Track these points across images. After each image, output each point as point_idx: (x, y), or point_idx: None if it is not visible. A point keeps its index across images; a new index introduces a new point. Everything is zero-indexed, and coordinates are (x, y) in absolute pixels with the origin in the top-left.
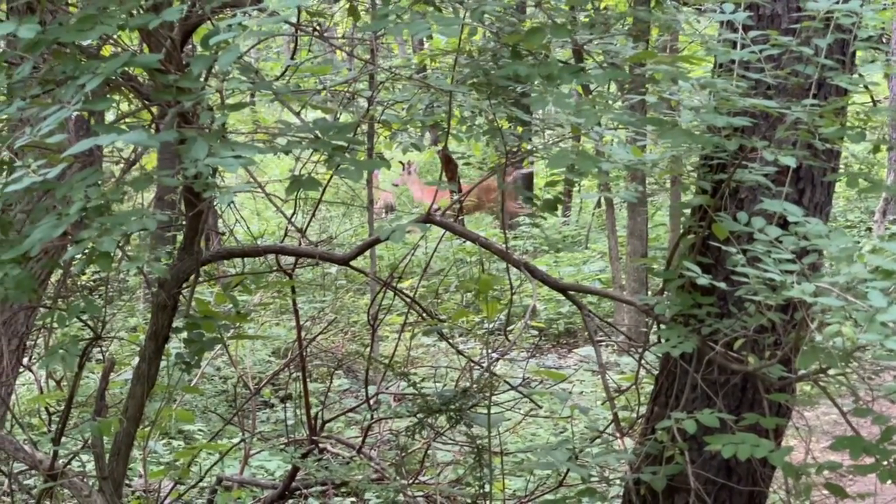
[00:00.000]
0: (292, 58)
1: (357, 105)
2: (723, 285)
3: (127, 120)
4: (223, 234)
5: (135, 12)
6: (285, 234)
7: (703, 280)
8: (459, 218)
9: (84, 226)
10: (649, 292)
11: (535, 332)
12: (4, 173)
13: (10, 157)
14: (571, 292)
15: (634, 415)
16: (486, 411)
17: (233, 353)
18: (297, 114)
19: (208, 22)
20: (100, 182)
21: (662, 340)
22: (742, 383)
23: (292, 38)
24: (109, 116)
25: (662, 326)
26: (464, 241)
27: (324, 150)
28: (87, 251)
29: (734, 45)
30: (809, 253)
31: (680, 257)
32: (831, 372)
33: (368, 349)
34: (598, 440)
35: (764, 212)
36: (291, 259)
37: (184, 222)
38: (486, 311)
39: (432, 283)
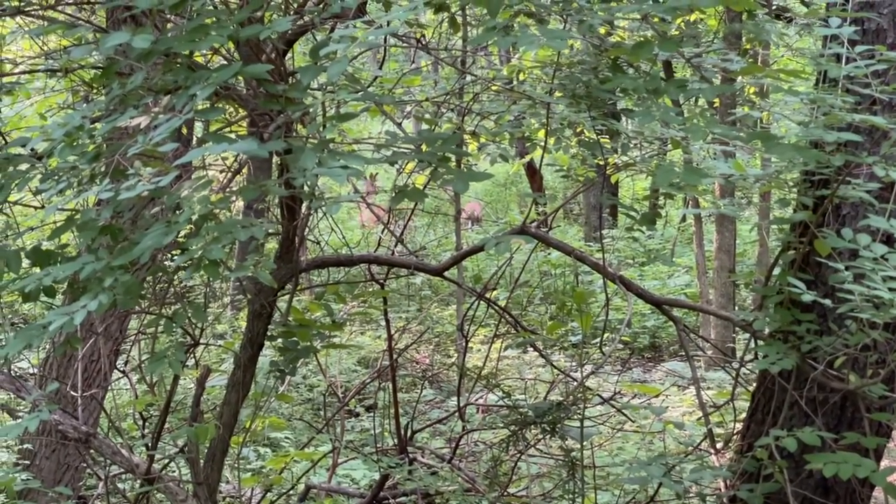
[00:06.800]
0: (380, 68)
1: (444, 116)
2: (827, 302)
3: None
4: (317, 242)
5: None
6: (378, 244)
7: (808, 296)
8: (545, 229)
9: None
10: (736, 307)
11: (621, 346)
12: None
13: (122, 166)
14: (665, 306)
15: (726, 430)
16: (577, 424)
17: (322, 362)
18: (399, 125)
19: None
20: (207, 191)
21: (760, 356)
22: (841, 402)
23: (378, 49)
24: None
25: (760, 342)
26: (548, 253)
27: (430, 161)
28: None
29: (838, 58)
30: None
31: (780, 273)
32: None
33: (458, 360)
34: (691, 456)
35: (867, 228)
36: (379, 268)
37: (271, 231)
38: (579, 323)
39: (516, 294)
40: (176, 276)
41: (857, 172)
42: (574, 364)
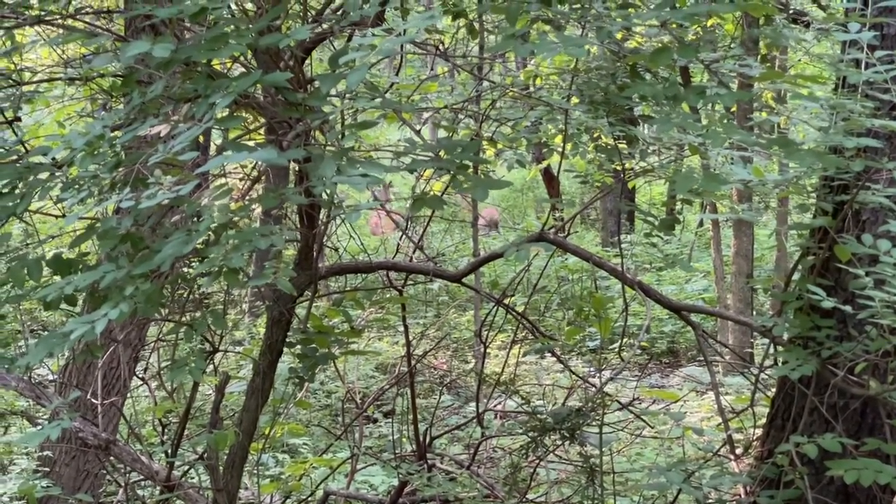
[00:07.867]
0: (396, 75)
1: (462, 123)
2: (847, 308)
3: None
4: (335, 249)
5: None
6: (396, 251)
7: (828, 302)
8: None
9: None
10: (754, 312)
11: (640, 351)
12: (130, 189)
13: (142, 175)
14: (684, 312)
15: (745, 436)
16: (595, 430)
17: (339, 367)
18: (418, 132)
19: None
20: (228, 199)
21: (780, 362)
22: (861, 408)
23: (395, 56)
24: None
25: (779, 348)
26: (565, 259)
27: (449, 168)
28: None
29: (857, 63)
30: None
31: (799, 279)
32: None
33: (476, 366)
34: (711, 462)
35: (887, 233)
36: (397, 275)
37: (289, 238)
38: (598, 329)
39: (534, 300)
40: (195, 284)
41: (877, 178)
42: (592, 370)
